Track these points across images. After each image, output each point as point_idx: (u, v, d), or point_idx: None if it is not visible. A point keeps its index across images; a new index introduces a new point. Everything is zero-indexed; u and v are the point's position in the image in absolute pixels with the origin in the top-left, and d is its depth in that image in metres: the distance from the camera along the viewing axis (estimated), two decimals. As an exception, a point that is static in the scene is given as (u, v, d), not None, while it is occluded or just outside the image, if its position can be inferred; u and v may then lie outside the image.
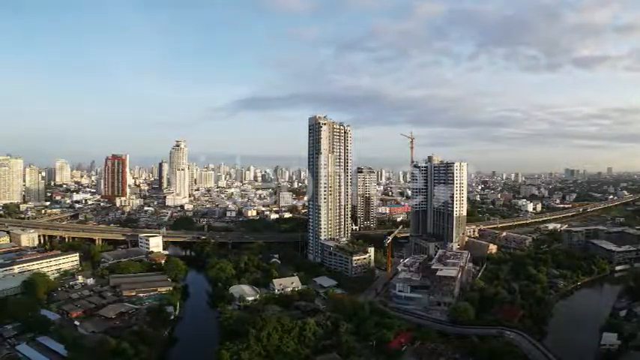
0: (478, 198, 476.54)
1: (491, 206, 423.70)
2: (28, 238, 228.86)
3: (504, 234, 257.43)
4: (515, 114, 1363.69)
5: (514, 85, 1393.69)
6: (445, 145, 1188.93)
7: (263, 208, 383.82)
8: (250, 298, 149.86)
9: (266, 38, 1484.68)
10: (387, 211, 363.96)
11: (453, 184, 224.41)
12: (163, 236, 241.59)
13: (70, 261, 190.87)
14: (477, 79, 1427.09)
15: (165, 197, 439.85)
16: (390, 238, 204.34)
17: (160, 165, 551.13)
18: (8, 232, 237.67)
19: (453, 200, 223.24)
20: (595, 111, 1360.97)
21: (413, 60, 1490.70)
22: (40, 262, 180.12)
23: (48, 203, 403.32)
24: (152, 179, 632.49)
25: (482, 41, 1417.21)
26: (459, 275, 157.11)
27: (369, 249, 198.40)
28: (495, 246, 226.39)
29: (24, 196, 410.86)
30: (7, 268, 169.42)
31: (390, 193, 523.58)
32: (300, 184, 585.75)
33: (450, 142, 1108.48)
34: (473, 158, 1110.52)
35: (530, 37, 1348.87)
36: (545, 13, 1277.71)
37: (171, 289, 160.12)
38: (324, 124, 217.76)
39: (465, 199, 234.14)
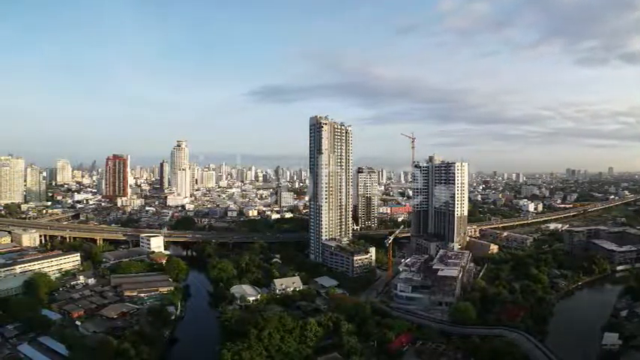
0: (479, 198, 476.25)
1: (492, 206, 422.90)
2: (30, 238, 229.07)
3: (505, 234, 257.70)
4: (543, 112, 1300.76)
5: (555, 80, 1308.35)
6: (458, 145, 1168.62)
7: (264, 208, 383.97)
8: (251, 298, 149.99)
9: (296, 25, 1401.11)
10: (389, 211, 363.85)
11: (454, 184, 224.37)
12: (164, 236, 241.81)
13: (71, 261, 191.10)
14: (523, 72, 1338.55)
15: (166, 197, 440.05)
16: (391, 238, 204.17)
17: (161, 165, 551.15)
18: (9, 232, 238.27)
19: (454, 200, 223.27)
20: (624, 108, 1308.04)
21: (470, 48, 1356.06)
22: (42, 262, 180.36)
23: (49, 203, 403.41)
24: (153, 179, 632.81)
25: (548, 29, 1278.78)
26: (460, 275, 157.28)
27: (370, 249, 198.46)
28: (496, 246, 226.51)
29: (25, 196, 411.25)
30: (9, 268, 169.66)
31: (391, 193, 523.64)
32: (301, 184, 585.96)
33: (466, 142, 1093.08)
34: (486, 159, 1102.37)
35: (596, 27, 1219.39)
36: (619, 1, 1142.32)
37: (172, 289, 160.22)
38: (325, 124, 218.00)
39: (466, 199, 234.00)
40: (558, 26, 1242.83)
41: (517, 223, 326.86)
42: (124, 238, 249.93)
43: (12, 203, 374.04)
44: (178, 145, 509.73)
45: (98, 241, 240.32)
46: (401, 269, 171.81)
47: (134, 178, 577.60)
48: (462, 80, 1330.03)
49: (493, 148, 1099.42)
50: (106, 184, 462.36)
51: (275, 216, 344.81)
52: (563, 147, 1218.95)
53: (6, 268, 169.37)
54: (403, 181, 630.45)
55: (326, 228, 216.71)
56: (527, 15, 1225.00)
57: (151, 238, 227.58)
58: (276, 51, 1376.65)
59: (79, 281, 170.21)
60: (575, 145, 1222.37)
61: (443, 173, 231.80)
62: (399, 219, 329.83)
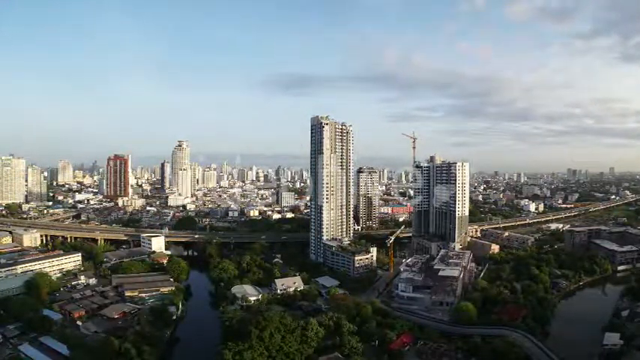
0: (480, 198, 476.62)
1: (493, 206, 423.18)
2: (31, 238, 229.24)
3: (506, 234, 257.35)
4: (572, 109, 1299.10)
5: (594, 76, 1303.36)
6: (474, 145, 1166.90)
7: (265, 208, 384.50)
8: (252, 298, 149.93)
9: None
10: (390, 211, 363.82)
11: (455, 184, 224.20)
12: (165, 236, 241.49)
13: (72, 261, 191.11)
14: (567, 66, 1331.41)
15: (167, 197, 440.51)
16: (392, 238, 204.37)
17: (162, 165, 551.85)
18: (10, 232, 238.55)
19: (455, 200, 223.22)
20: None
21: (523, 38, 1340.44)
22: (43, 262, 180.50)
23: (50, 203, 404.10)
24: (154, 179, 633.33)
25: (606, 21, 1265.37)
26: (461, 275, 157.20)
27: (372, 249, 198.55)
28: (497, 246, 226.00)
29: (26, 196, 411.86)
30: (10, 268, 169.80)
31: (392, 193, 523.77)
32: (302, 184, 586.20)
33: (483, 142, 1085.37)
34: (499, 158, 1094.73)
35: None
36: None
37: (173, 289, 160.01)
38: (327, 124, 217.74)
39: (467, 199, 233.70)
40: (617, 19, 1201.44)
41: (518, 223, 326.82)
42: (125, 238, 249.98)
43: (13, 203, 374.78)
44: (179, 145, 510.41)
45: (99, 241, 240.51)
46: (402, 269, 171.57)
47: (135, 178, 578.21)
48: (503, 71, 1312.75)
49: (506, 148, 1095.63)
50: (107, 184, 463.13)
51: (276, 216, 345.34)
52: (579, 145, 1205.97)
53: (7, 268, 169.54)
54: (404, 181, 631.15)
55: (327, 228, 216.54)
56: (590, 5, 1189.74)
57: (152, 238, 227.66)
58: (299, 43, 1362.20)
59: (80, 281, 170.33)
60: (590, 144, 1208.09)
61: (444, 173, 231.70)
62: (400, 219, 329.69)
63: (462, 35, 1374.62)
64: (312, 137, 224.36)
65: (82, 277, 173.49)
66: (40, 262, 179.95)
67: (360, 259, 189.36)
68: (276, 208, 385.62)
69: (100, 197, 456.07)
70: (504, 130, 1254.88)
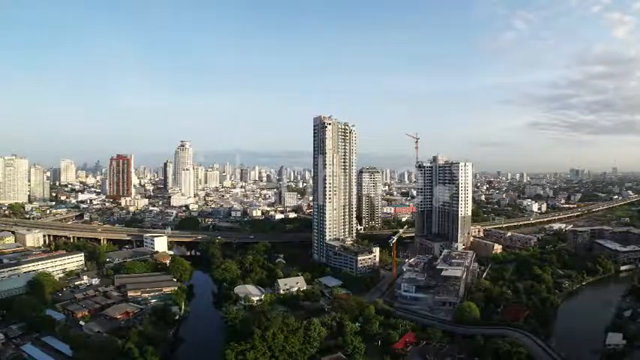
0: (483, 198, 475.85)
1: (496, 206, 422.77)
2: (33, 238, 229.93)
3: (509, 234, 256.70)
4: None
5: None
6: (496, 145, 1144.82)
7: (268, 208, 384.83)
8: (255, 298, 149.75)
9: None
10: (392, 211, 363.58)
11: (457, 184, 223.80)
12: (168, 236, 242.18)
13: (75, 261, 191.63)
14: None
15: (170, 197, 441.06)
16: (395, 238, 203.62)
17: (165, 165, 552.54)
18: (13, 233, 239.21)
19: (457, 200, 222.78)
20: None
21: None
22: (45, 262, 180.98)
23: (53, 203, 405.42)
24: (157, 179, 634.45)
25: None
26: (464, 275, 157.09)
27: (374, 249, 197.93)
28: (500, 246, 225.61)
29: (29, 196, 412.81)
30: (13, 268, 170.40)
31: (395, 193, 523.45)
32: (305, 184, 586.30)
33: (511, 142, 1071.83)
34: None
35: None
36: None
37: (176, 289, 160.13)
38: (329, 124, 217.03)
39: (469, 199, 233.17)
40: None
41: (521, 223, 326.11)
42: (127, 238, 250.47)
43: (16, 203, 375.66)
44: (182, 145, 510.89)
45: (102, 241, 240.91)
46: (405, 269, 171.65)
47: (138, 178, 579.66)
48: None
49: (538, 150, 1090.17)
50: (110, 184, 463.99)
51: (279, 216, 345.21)
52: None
53: (10, 268, 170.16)
54: (407, 181, 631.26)
55: (329, 228, 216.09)
56: None
57: (155, 238, 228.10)
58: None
59: (82, 281, 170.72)
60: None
61: (447, 173, 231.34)
62: (403, 219, 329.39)
63: (618, 4, 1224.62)
64: (314, 137, 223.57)
65: (85, 277, 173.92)
66: (42, 262, 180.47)
67: (363, 259, 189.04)
68: (278, 208, 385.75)
69: (103, 197, 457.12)
70: (567, 123, 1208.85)
